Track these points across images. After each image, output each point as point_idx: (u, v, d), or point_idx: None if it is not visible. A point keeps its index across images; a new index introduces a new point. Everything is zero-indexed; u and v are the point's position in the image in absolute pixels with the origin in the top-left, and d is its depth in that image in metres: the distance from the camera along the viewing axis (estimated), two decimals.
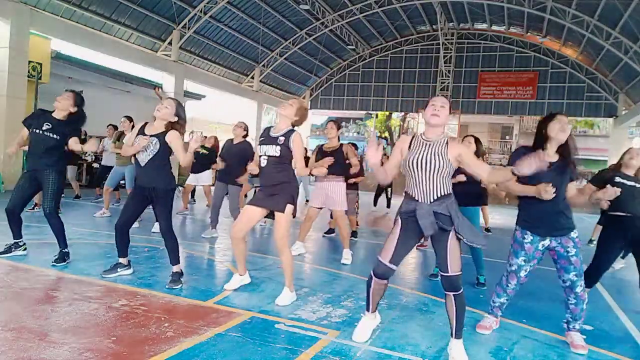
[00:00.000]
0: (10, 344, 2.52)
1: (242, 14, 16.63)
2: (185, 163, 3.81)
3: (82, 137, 9.07)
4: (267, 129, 3.74)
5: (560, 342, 3.25)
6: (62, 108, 4.28)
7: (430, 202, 2.76)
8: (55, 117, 4.27)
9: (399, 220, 2.88)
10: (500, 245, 6.88)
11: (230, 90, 19.65)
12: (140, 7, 13.90)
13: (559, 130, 3.02)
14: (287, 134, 3.60)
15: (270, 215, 3.73)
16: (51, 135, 4.19)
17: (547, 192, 2.84)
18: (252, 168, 3.91)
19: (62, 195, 9.11)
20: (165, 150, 3.80)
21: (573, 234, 3.09)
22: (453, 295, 2.74)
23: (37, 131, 4.19)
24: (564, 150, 3.07)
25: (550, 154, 3.06)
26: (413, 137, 2.91)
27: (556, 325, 3.49)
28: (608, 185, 3.15)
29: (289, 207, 3.60)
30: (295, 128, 3.71)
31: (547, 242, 3.11)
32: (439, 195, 2.77)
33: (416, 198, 2.81)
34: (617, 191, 3.12)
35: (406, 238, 2.85)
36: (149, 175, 3.81)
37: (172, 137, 3.77)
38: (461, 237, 2.74)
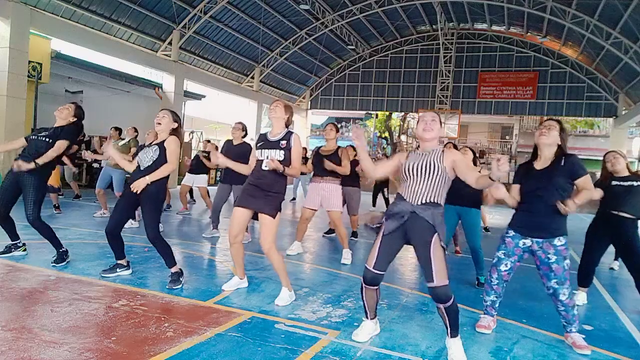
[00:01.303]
0: (10, 344, 2.52)
1: (242, 14, 16.63)
2: (168, 169, 3.85)
3: (83, 139, 9.00)
4: (264, 134, 3.77)
5: (560, 342, 3.25)
6: (63, 117, 4.39)
7: (417, 204, 2.79)
8: (54, 125, 4.38)
9: (383, 224, 2.92)
10: None
11: (230, 90, 19.65)
12: (140, 7, 13.89)
13: (538, 135, 3.20)
14: (287, 137, 3.64)
15: (255, 217, 3.73)
16: (45, 139, 4.23)
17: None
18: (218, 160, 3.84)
19: (61, 195, 9.10)
20: (164, 158, 3.84)
21: (557, 241, 3.09)
22: (444, 307, 2.71)
23: (34, 137, 4.27)
24: (559, 156, 3.16)
25: (543, 160, 3.18)
26: (409, 153, 3.02)
27: (556, 325, 3.49)
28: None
29: (278, 214, 3.64)
30: (292, 130, 3.74)
31: (528, 241, 3.18)
32: (427, 201, 2.79)
33: (405, 198, 2.85)
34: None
35: (389, 243, 2.87)
36: (140, 177, 3.80)
37: (169, 141, 3.88)
38: (444, 247, 2.77)
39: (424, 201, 2.79)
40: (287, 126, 3.74)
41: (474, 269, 4.70)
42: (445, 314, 2.73)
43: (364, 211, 11.28)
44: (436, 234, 2.72)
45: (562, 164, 3.09)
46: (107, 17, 13.50)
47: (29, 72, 10.98)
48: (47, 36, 11.89)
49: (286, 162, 3.59)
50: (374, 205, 12.43)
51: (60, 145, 4.26)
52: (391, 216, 2.86)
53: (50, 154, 4.20)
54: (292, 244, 5.82)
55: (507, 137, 28.84)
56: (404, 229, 2.81)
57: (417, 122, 3.00)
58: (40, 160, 4.12)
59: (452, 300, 2.70)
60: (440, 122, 2.99)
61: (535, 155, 3.28)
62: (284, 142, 3.61)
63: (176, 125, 3.99)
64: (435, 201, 2.80)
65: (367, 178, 8.27)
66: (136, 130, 7.63)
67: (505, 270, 3.27)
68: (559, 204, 2.98)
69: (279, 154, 3.58)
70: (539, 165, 3.20)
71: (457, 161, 2.84)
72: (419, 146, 3.02)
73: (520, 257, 3.25)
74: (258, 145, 3.72)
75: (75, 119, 4.46)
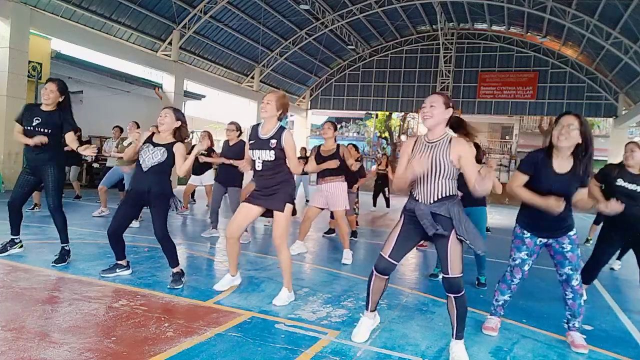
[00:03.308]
0: (10, 344, 2.52)
1: (242, 14, 16.64)
2: (183, 172, 3.93)
3: (81, 138, 8.94)
4: (255, 130, 3.62)
5: (560, 342, 3.25)
6: (51, 102, 4.24)
7: (430, 204, 2.76)
8: (44, 109, 4.24)
9: (403, 217, 2.90)
10: (501, 245, 6.84)
11: (230, 90, 19.65)
12: (140, 7, 13.90)
13: (557, 135, 2.91)
14: (278, 135, 3.52)
15: (269, 214, 3.69)
16: (42, 129, 4.15)
17: (558, 207, 2.83)
18: (244, 166, 3.83)
19: (62, 194, 9.09)
20: (171, 160, 3.88)
21: (570, 233, 3.11)
22: (454, 297, 2.73)
23: (28, 128, 4.19)
24: (577, 153, 2.92)
25: (561, 161, 2.97)
26: (416, 140, 2.89)
27: (556, 325, 3.49)
28: (612, 200, 3.06)
29: (288, 207, 3.58)
30: (285, 125, 3.68)
31: (544, 239, 3.17)
32: (440, 197, 2.75)
33: (417, 198, 2.82)
34: (619, 208, 3.04)
35: (408, 235, 2.86)
36: (149, 179, 3.83)
37: (178, 148, 3.91)
38: (463, 239, 2.73)
39: (437, 199, 2.76)
40: (280, 119, 3.61)
41: (473, 268, 4.71)
42: (454, 306, 2.74)
43: (364, 211, 11.28)
44: (454, 229, 2.71)
45: (580, 173, 2.94)
46: (107, 17, 13.51)
47: (29, 72, 10.98)
48: (47, 36, 11.90)
49: (278, 161, 3.54)
50: (374, 205, 12.43)
51: (72, 137, 4.26)
52: (410, 216, 2.83)
53: (72, 147, 4.23)
54: (293, 243, 5.80)
55: (507, 137, 28.82)
56: (423, 229, 2.79)
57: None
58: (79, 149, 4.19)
59: (463, 292, 2.73)
60: (447, 103, 2.76)
61: (550, 149, 3.00)
62: (274, 141, 3.50)
63: (179, 123, 3.97)
64: (448, 194, 2.75)
65: (368, 179, 8.25)
66: (138, 126, 7.55)
67: (527, 270, 3.27)
68: (557, 201, 2.87)
69: (269, 154, 3.51)
70: (558, 167, 2.98)
71: (462, 157, 2.71)
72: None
73: (538, 253, 3.26)
74: (250, 142, 3.62)
75: (63, 97, 4.27)
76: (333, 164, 5.33)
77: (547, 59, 20.15)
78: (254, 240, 6.49)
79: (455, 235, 2.74)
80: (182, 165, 3.88)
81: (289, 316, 3.34)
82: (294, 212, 3.68)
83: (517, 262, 3.26)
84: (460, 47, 21.31)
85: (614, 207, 3.01)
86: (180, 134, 3.99)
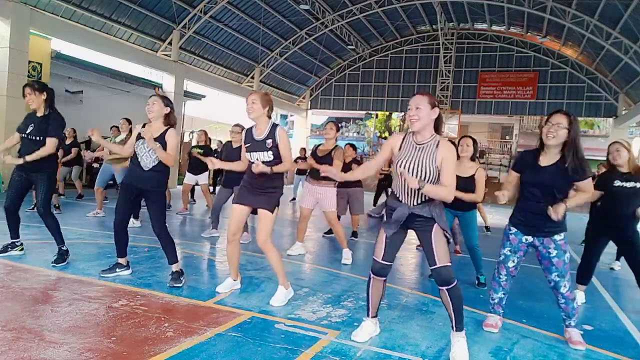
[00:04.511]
0: (10, 344, 2.52)
1: (242, 14, 16.64)
2: (166, 160, 3.80)
3: (76, 139, 8.82)
4: (250, 132, 3.63)
5: (560, 342, 3.25)
6: (37, 107, 4.21)
7: (413, 205, 2.79)
8: (38, 115, 4.23)
9: (385, 217, 2.94)
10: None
11: (230, 90, 19.65)
12: (140, 7, 13.90)
13: (546, 133, 3.01)
14: (272, 134, 3.52)
15: (254, 212, 3.72)
16: (34, 137, 4.17)
17: (502, 197, 3.01)
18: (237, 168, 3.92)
19: (62, 195, 9.11)
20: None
21: (557, 237, 3.10)
22: (446, 289, 2.73)
23: (23, 135, 4.22)
24: (565, 153, 2.99)
25: (549, 156, 3.07)
26: (404, 137, 2.86)
27: (556, 325, 3.49)
28: None
29: (276, 209, 3.62)
30: (277, 123, 3.70)
31: (529, 238, 3.20)
32: (423, 200, 2.78)
33: (400, 199, 2.84)
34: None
35: (394, 235, 2.88)
36: (146, 177, 3.82)
37: (169, 135, 3.88)
38: (445, 232, 2.76)
39: (419, 201, 2.79)
40: (269, 117, 3.62)
41: (474, 269, 4.71)
42: (449, 299, 2.73)
43: (365, 211, 11.26)
44: (436, 223, 2.74)
45: (567, 164, 2.95)
46: (107, 17, 13.51)
47: (29, 72, 10.98)
48: (47, 36, 11.89)
49: (275, 161, 3.53)
50: (374, 205, 12.43)
51: (52, 143, 4.18)
52: (390, 218, 2.84)
53: (41, 153, 4.13)
54: (292, 244, 5.80)
55: (507, 137, 28.79)
56: (405, 224, 2.84)
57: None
58: (30, 158, 4.10)
59: (455, 283, 2.73)
60: (433, 103, 2.74)
61: (541, 146, 3.10)
62: (269, 140, 3.51)
63: (168, 110, 3.92)
64: (431, 197, 2.77)
65: (367, 178, 8.25)
66: (130, 122, 7.50)
67: (512, 267, 3.29)
68: (549, 209, 2.95)
69: (267, 155, 3.51)
70: (544, 161, 3.07)
71: (443, 162, 2.72)
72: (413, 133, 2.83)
73: (525, 252, 3.27)
74: (246, 145, 3.63)
75: (45, 95, 4.20)
76: (323, 168, 5.28)
77: (547, 59, 20.15)
78: (254, 240, 6.49)
79: (438, 228, 2.75)
80: (169, 149, 3.81)
81: (288, 316, 3.34)
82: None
83: (501, 258, 3.34)
84: (460, 47, 21.32)
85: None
86: (170, 120, 3.93)
